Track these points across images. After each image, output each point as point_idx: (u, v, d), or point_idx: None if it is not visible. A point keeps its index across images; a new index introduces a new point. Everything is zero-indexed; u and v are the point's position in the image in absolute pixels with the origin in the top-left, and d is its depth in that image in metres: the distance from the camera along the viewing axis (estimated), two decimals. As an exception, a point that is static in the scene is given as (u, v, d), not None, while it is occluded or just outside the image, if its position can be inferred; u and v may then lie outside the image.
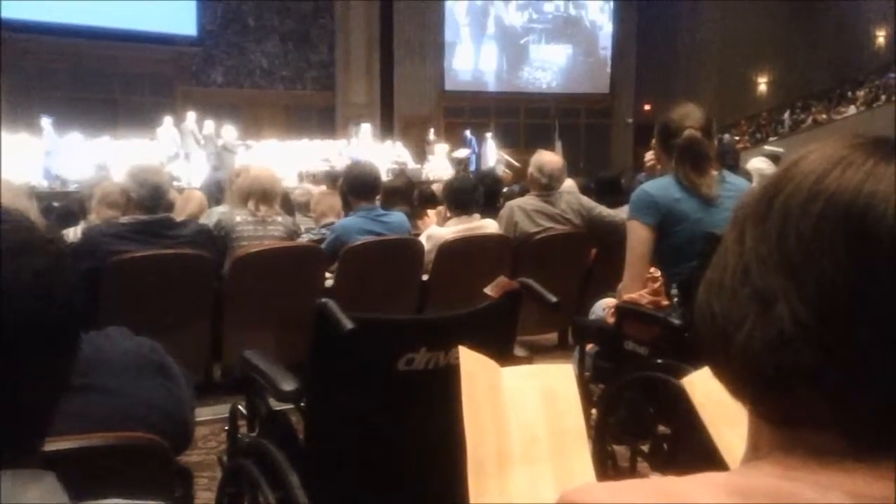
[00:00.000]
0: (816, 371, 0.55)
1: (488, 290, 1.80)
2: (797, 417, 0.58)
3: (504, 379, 1.18)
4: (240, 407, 2.17)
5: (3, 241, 0.68)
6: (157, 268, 3.74)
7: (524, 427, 1.14)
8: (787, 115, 20.39)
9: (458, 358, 1.15)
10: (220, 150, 13.01)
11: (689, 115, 2.71)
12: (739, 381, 0.61)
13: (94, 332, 1.46)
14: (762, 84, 22.75)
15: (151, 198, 3.77)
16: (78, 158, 12.43)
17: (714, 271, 0.63)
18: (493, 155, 16.79)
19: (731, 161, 6.57)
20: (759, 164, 7.47)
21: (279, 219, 4.37)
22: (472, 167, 16.45)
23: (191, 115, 13.75)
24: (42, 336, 0.70)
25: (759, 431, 0.62)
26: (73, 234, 5.21)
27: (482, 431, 1.09)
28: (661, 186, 2.73)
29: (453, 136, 19.29)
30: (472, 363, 1.15)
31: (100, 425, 1.33)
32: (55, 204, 8.11)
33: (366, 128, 16.54)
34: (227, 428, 2.30)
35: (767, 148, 11.00)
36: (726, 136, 16.47)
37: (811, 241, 0.56)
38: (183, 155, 13.20)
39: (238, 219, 4.27)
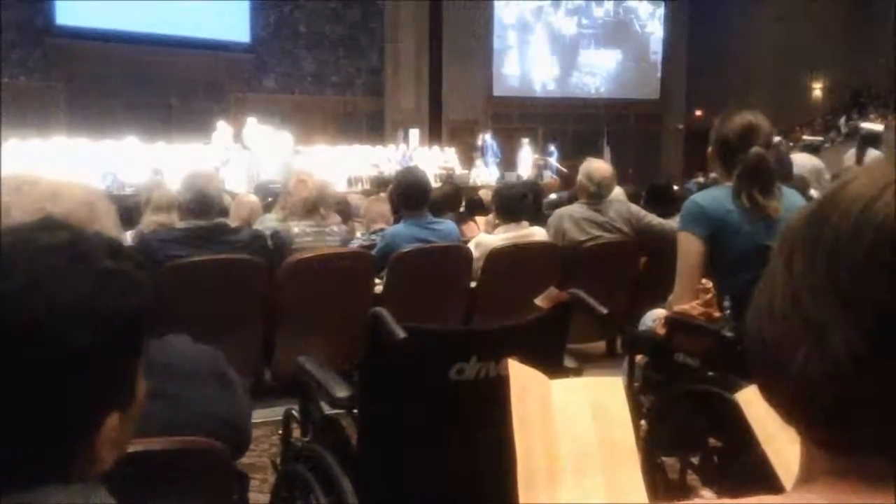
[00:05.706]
0: (872, 401, 0.55)
1: (539, 301, 1.80)
2: (850, 444, 0.58)
3: (554, 392, 1.18)
4: (293, 412, 2.21)
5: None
6: (211, 272, 3.80)
7: (575, 440, 1.14)
8: (842, 121, 19.94)
9: (507, 369, 1.15)
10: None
11: (755, 130, 2.63)
12: (793, 408, 0.61)
13: (156, 340, 1.49)
14: (817, 89, 22.28)
15: (195, 201, 3.80)
16: (134, 162, 12.66)
17: (762, 296, 0.63)
18: (528, 161, 16.66)
19: (786, 170, 6.44)
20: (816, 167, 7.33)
21: (335, 228, 4.45)
22: (491, 169, 16.29)
23: (251, 121, 13.75)
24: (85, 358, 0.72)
25: (812, 456, 0.62)
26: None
27: (532, 444, 1.09)
28: (712, 197, 2.69)
29: (501, 141, 19.28)
30: (522, 376, 1.15)
31: (160, 431, 1.34)
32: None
33: (414, 133, 16.61)
34: (280, 432, 2.34)
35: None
36: (778, 140, 16.10)
37: (863, 271, 0.55)
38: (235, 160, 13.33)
39: (296, 230, 4.33)
